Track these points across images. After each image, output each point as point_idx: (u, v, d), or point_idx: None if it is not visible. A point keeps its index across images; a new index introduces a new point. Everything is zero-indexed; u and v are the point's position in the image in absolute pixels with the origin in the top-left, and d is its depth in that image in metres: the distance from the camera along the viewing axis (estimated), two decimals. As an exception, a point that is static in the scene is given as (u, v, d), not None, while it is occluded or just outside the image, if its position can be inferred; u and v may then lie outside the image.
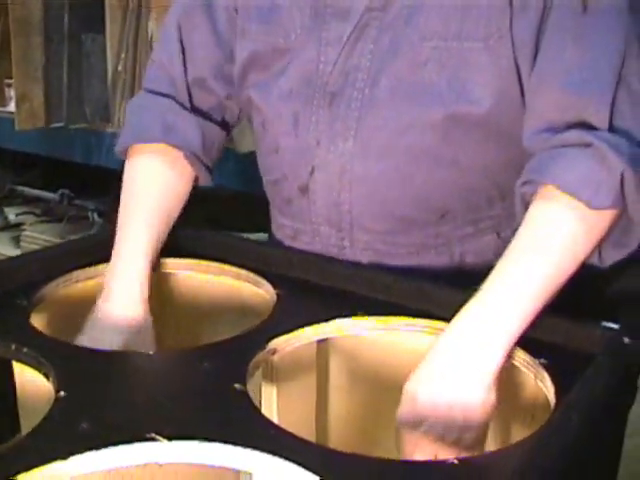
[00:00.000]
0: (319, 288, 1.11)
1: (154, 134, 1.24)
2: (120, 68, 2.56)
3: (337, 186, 1.14)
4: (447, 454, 0.87)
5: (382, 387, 1.09)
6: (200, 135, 1.25)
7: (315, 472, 0.71)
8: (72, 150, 2.80)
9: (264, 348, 0.95)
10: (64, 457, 0.72)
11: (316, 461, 0.73)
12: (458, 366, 0.92)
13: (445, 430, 0.89)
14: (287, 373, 1.02)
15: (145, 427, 0.76)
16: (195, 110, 1.27)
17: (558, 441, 0.71)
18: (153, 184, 1.23)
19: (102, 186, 2.79)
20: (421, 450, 0.90)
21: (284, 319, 1.02)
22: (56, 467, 0.71)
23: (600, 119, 0.99)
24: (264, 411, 0.91)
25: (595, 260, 1.03)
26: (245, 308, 1.17)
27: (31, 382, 0.92)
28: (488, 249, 1.19)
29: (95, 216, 2.93)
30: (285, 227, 1.27)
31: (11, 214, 3.10)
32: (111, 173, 2.29)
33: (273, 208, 1.31)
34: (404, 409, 0.92)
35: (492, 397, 0.91)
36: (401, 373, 1.02)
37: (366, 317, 1.02)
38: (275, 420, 0.97)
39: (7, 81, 2.85)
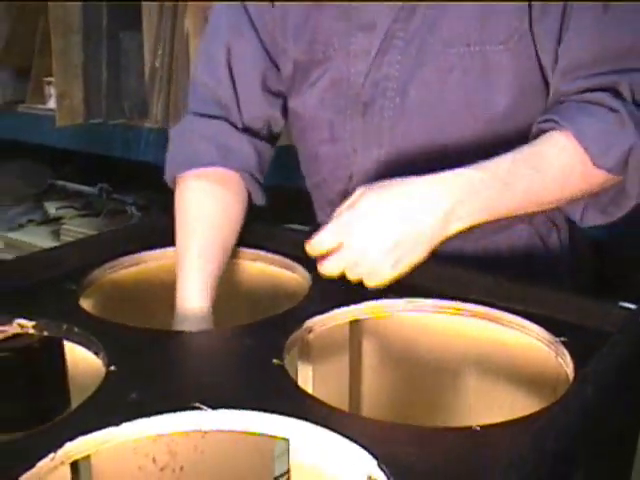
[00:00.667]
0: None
1: (210, 158, 1.24)
2: (157, 64, 2.62)
3: None
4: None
5: (412, 366, 1.14)
6: (255, 154, 1.27)
7: (349, 438, 0.76)
8: (111, 145, 2.86)
9: (300, 327, 1.00)
10: (116, 424, 0.78)
11: (350, 428, 0.78)
12: (421, 198, 1.02)
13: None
14: (322, 351, 1.07)
15: (190, 397, 0.82)
16: (246, 129, 1.28)
17: (574, 409, 0.75)
18: (208, 217, 1.21)
19: (140, 180, 2.85)
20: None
21: (319, 301, 1.08)
22: (108, 432, 0.77)
23: (629, 91, 1.06)
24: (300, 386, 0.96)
25: (576, 217, 1.15)
26: (281, 291, 1.23)
27: (82, 360, 0.98)
28: (520, 238, 1.25)
29: (133, 209, 2.98)
30: None
31: (51, 208, 3.16)
32: (149, 167, 2.35)
33: (316, 206, 1.37)
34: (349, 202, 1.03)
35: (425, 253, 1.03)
36: (430, 352, 1.07)
37: (396, 299, 1.07)
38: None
39: (47, 79, 2.92)
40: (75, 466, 0.79)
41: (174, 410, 0.80)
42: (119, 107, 2.75)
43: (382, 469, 0.71)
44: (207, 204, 1.22)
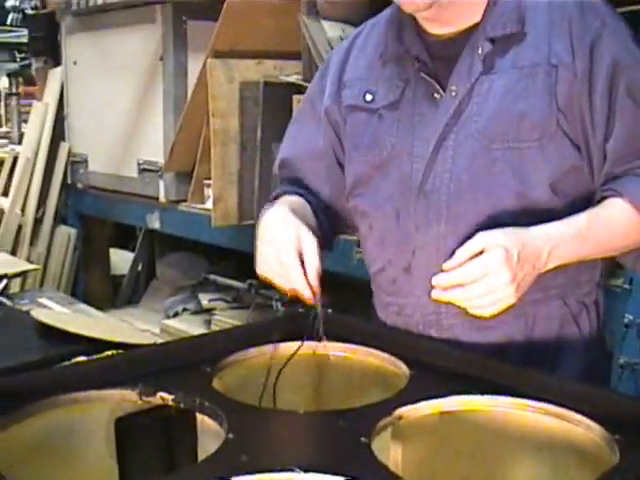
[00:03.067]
0: (442, 368, 1.34)
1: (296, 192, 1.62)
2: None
3: (435, 261, 1.41)
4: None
5: (493, 456, 1.29)
6: (322, 215, 1.60)
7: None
8: (261, 245, 3.07)
9: (391, 414, 1.18)
10: (228, 477, 0.98)
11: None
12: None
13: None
14: (412, 437, 1.24)
15: (288, 461, 1.01)
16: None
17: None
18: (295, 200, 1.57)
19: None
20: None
21: (412, 393, 1.26)
22: (221, 484, 0.97)
23: None
24: (391, 466, 1.13)
25: (629, 265, 1.51)
26: (384, 384, 1.41)
27: (208, 428, 1.20)
28: (555, 316, 1.47)
29: (278, 305, 3.21)
30: (391, 305, 1.55)
31: (204, 300, 3.42)
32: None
33: (378, 291, 1.60)
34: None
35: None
36: (507, 445, 1.23)
37: (478, 395, 1.24)
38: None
39: (206, 182, 3.21)
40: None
41: (274, 471, 0.99)
42: (269, 210, 2.98)
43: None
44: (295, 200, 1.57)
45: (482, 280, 1.26)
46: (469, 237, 1.31)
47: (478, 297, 1.28)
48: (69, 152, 4.27)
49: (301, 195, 1.59)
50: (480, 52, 1.40)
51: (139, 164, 3.70)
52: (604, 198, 1.40)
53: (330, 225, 1.61)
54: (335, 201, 1.62)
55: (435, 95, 1.43)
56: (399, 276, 1.50)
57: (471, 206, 1.41)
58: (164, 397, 1.24)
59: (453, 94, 1.41)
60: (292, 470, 1.00)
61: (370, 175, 1.52)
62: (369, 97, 1.51)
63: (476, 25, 1.42)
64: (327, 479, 1.00)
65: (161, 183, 3.55)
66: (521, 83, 1.38)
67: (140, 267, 4.53)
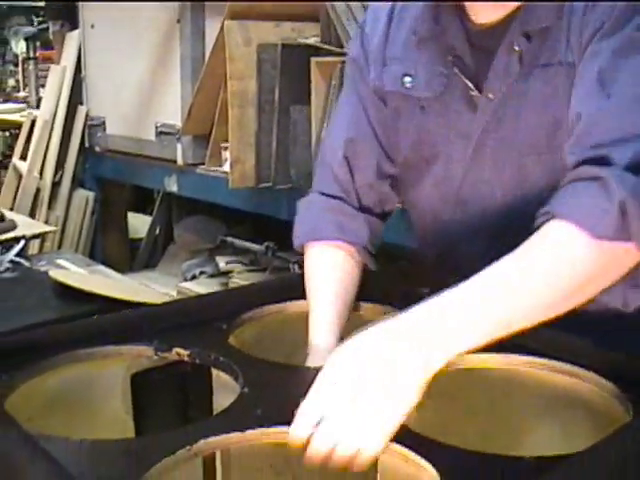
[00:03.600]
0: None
1: (329, 233, 1.42)
2: (323, 136, 2.85)
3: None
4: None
5: (504, 413, 1.30)
6: (368, 231, 1.44)
7: (429, 460, 0.94)
8: (278, 208, 3.11)
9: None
10: (241, 430, 0.99)
11: (431, 451, 0.96)
12: (396, 352, 0.96)
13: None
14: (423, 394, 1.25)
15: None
16: (363, 209, 1.46)
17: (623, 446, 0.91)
18: (334, 279, 1.38)
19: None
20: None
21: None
22: (234, 436, 0.98)
23: (620, 157, 1.06)
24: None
25: (619, 304, 1.12)
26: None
27: (223, 383, 1.21)
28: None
29: (296, 267, 3.21)
30: None
31: (221, 262, 3.43)
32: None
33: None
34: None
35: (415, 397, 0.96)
36: (519, 403, 1.22)
37: (490, 353, 1.24)
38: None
39: (223, 145, 3.21)
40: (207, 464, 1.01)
41: (288, 424, 1.00)
42: (287, 173, 3.01)
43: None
44: (331, 269, 1.40)
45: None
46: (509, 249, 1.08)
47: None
48: (87, 115, 4.27)
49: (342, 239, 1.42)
50: (517, 49, 1.27)
51: (157, 127, 3.70)
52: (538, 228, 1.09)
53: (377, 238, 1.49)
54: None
55: (472, 92, 1.33)
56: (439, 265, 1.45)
57: (506, 219, 1.34)
58: (180, 352, 1.25)
59: (490, 96, 1.31)
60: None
61: (408, 170, 1.45)
62: (408, 81, 1.39)
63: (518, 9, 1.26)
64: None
65: (179, 146, 3.54)
66: (551, 85, 1.26)
67: (158, 231, 4.54)
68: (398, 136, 1.43)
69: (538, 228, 1.06)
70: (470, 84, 1.32)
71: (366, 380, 0.94)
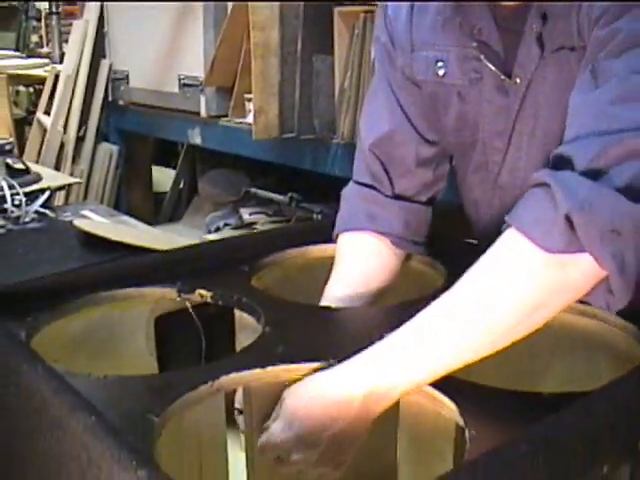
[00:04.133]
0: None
1: (360, 223, 1.39)
2: (346, 86, 2.84)
3: None
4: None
5: (527, 355, 1.30)
6: (402, 220, 1.39)
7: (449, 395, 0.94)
8: (301, 158, 3.10)
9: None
10: (263, 367, 1.00)
11: (451, 387, 0.96)
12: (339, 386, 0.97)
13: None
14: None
15: (325, 355, 1.03)
16: (398, 197, 1.40)
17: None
18: (358, 255, 1.38)
19: (327, 191, 3.07)
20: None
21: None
22: (256, 372, 0.99)
23: (580, 159, 0.97)
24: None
25: (603, 305, 1.00)
26: (422, 282, 1.41)
27: (246, 324, 1.22)
28: None
29: (319, 218, 3.19)
30: None
31: (245, 214, 3.44)
32: (335, 180, 2.56)
33: None
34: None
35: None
36: (541, 345, 1.23)
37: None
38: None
39: (247, 96, 3.20)
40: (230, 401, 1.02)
41: (310, 361, 1.01)
42: (310, 124, 2.99)
43: (462, 416, 0.90)
44: (357, 251, 1.39)
45: None
46: None
47: None
48: (110, 69, 4.27)
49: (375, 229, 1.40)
50: (535, 29, 1.18)
51: (180, 79, 3.69)
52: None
53: (421, 226, 1.44)
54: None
55: (502, 78, 1.25)
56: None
57: None
58: (203, 294, 1.26)
59: (518, 81, 1.23)
60: (328, 362, 1.02)
61: (460, 153, 1.40)
62: (440, 66, 1.31)
63: None
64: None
65: (202, 98, 3.53)
66: (568, 70, 1.17)
67: (182, 184, 4.55)
68: (439, 119, 1.37)
69: (501, 234, 1.00)
70: (495, 69, 1.25)
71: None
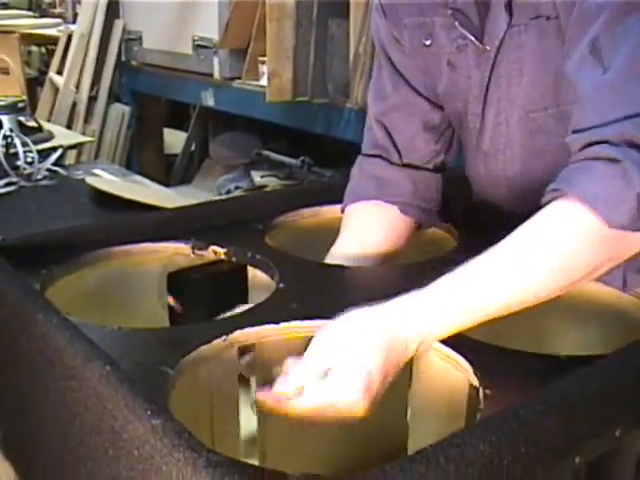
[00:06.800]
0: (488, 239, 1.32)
1: (368, 192, 1.37)
2: (360, 51, 2.83)
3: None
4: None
5: (540, 324, 1.30)
6: (412, 186, 1.37)
7: (464, 355, 0.94)
8: (314, 122, 3.10)
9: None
10: (276, 322, 1.00)
11: (460, 343, 0.96)
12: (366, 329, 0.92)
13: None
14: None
15: (338, 311, 1.02)
16: (406, 165, 1.38)
17: None
18: (365, 221, 1.35)
19: (339, 155, 3.07)
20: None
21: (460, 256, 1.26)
22: (269, 328, 0.99)
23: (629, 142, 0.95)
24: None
25: (619, 284, 1.03)
26: (434, 246, 1.41)
27: (259, 281, 1.22)
28: None
29: (331, 181, 3.19)
30: None
31: (257, 177, 3.44)
32: (348, 144, 2.56)
33: None
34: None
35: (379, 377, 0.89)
36: (555, 314, 1.23)
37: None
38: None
39: (261, 59, 3.19)
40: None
41: (324, 318, 1.01)
42: (323, 88, 2.99)
43: (477, 375, 0.89)
44: (364, 216, 1.36)
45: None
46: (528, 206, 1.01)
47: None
48: (123, 29, 4.26)
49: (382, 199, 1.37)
50: None
51: (194, 41, 3.68)
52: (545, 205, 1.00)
53: (432, 195, 1.42)
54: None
55: (477, 45, 1.24)
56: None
57: (525, 174, 1.28)
58: (216, 251, 1.26)
59: (488, 48, 1.23)
60: (342, 318, 1.02)
61: (454, 119, 1.38)
62: (427, 39, 1.30)
63: None
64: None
65: (216, 60, 3.52)
66: (546, 39, 1.17)
67: (193, 146, 4.54)
68: (435, 88, 1.37)
69: (546, 204, 0.98)
70: (470, 36, 1.24)
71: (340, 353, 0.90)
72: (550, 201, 0.97)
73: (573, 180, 0.96)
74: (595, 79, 1.01)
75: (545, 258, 0.94)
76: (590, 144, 0.97)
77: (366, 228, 1.35)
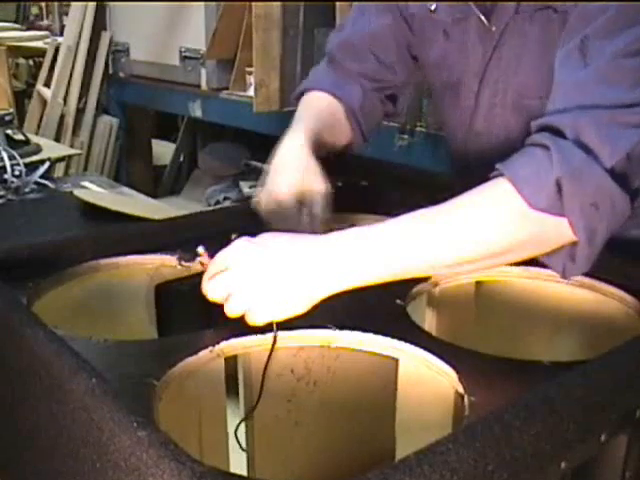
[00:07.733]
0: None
1: (326, 85, 1.48)
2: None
3: None
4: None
5: (525, 327, 1.31)
6: (360, 97, 1.47)
7: (442, 358, 0.95)
8: (302, 132, 3.08)
9: (427, 280, 1.19)
10: (262, 333, 1.00)
11: (446, 352, 0.97)
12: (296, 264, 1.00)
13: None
14: (446, 305, 1.26)
15: (324, 320, 1.03)
16: (363, 75, 1.49)
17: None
18: (323, 108, 1.46)
19: (330, 166, 3.06)
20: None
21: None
22: (255, 339, 1.00)
23: (572, 130, 1.00)
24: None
25: (559, 270, 1.05)
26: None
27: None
28: None
29: (320, 193, 3.18)
30: None
31: (245, 187, 3.44)
32: (342, 155, 2.55)
33: None
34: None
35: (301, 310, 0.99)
36: (540, 316, 1.23)
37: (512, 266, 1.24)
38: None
39: (248, 69, 3.20)
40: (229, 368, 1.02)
41: (310, 328, 1.01)
42: (311, 97, 2.98)
43: (462, 382, 0.90)
44: (323, 103, 1.47)
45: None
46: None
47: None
48: (111, 41, 4.26)
49: (335, 94, 1.47)
50: None
51: (181, 52, 3.69)
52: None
53: (372, 119, 1.52)
54: (402, 81, 1.53)
55: (484, 22, 1.30)
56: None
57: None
58: (203, 262, 1.26)
59: (493, 29, 1.29)
60: (327, 327, 1.02)
61: (441, 92, 1.45)
62: (432, 4, 1.37)
63: None
64: (361, 336, 1.01)
65: (203, 71, 3.53)
66: (549, 32, 1.22)
67: (182, 157, 4.54)
68: (422, 52, 1.44)
69: (489, 180, 1.03)
70: (477, 11, 1.29)
71: (274, 264, 0.99)
72: (492, 177, 1.02)
73: (511, 162, 1.02)
74: (573, 74, 1.07)
75: (464, 228, 0.99)
76: (540, 129, 1.04)
77: (324, 110, 1.45)
